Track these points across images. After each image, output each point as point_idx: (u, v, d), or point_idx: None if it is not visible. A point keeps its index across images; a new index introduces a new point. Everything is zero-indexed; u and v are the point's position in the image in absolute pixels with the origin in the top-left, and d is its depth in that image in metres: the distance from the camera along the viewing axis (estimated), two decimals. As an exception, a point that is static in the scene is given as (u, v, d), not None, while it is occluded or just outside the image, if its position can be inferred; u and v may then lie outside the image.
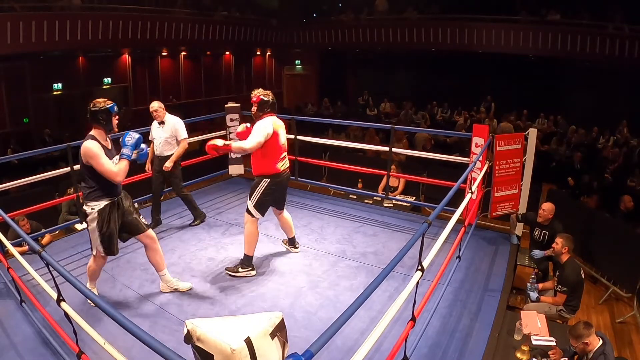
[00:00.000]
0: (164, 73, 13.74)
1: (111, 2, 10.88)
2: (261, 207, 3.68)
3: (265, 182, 3.63)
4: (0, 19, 8.62)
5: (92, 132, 3.08)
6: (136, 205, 3.52)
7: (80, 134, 11.29)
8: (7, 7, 8.87)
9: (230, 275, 3.78)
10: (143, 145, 3.24)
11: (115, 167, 3.04)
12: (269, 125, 3.50)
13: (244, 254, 3.78)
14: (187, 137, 4.69)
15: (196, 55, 14.51)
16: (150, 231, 3.37)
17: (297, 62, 17.50)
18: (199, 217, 4.94)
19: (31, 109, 10.69)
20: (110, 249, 3.18)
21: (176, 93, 14.03)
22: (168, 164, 4.58)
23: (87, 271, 3.35)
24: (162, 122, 4.62)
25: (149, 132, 4.72)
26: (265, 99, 3.58)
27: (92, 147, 3.00)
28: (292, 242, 4.20)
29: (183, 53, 14.05)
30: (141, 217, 3.35)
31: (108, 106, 3.06)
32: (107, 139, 3.14)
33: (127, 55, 12.45)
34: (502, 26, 11.88)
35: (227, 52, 15.45)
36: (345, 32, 14.49)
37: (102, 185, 3.06)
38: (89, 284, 3.40)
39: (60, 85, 11.16)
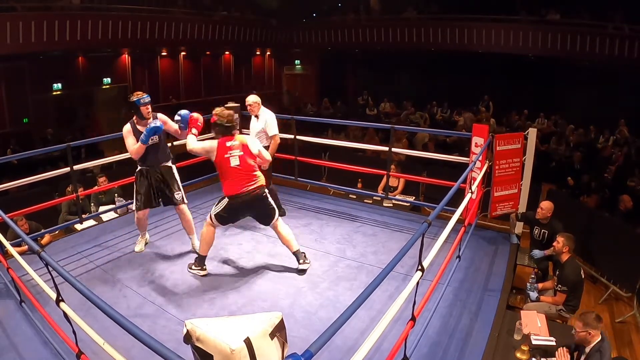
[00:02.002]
0: (164, 73, 13.74)
1: (111, 2, 10.89)
2: (221, 219, 3.68)
3: (225, 200, 3.61)
4: (0, 19, 8.62)
5: (133, 118, 3.88)
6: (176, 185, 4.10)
7: (82, 134, 11.27)
8: (7, 7, 8.87)
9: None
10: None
11: (132, 147, 3.81)
12: (212, 147, 3.50)
13: (198, 254, 3.81)
14: (277, 133, 4.76)
15: (196, 55, 14.51)
16: (183, 206, 4.10)
17: (297, 62, 17.49)
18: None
19: (31, 109, 10.69)
20: (142, 203, 3.97)
21: (176, 93, 14.04)
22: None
23: (136, 224, 4.20)
24: (256, 116, 4.82)
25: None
26: (218, 121, 3.53)
27: (124, 129, 3.87)
28: (296, 256, 3.84)
29: (183, 53, 14.05)
30: (176, 193, 4.04)
31: (134, 99, 3.77)
32: (144, 122, 3.82)
33: (126, 55, 12.45)
34: (502, 26, 11.88)
35: (227, 52, 15.44)
36: (345, 32, 14.49)
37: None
38: (140, 236, 4.32)
39: (60, 85, 11.17)
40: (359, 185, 6.50)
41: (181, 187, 4.13)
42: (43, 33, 9.29)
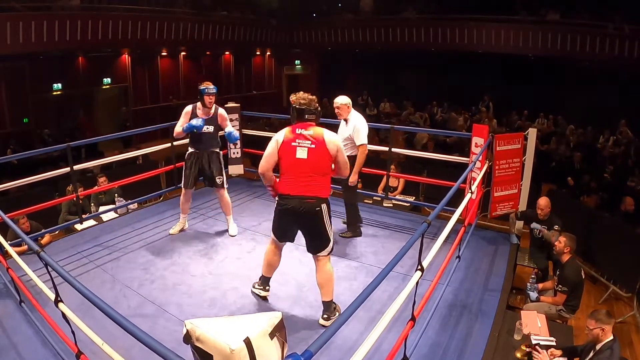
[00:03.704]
0: (164, 73, 13.74)
1: (111, 2, 10.89)
2: (275, 230, 3.19)
3: (276, 202, 3.11)
4: (0, 19, 8.62)
5: (197, 102, 4.29)
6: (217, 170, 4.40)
7: (81, 133, 11.22)
8: (7, 7, 8.87)
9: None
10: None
11: (177, 127, 4.27)
12: (277, 138, 3.01)
13: (262, 274, 3.44)
14: (365, 142, 4.16)
15: (196, 55, 14.51)
16: (222, 190, 4.43)
17: (297, 62, 17.50)
18: (351, 229, 4.59)
19: (31, 109, 10.69)
20: (185, 183, 4.42)
21: (176, 93, 14.03)
22: (352, 178, 4.20)
23: (180, 205, 4.60)
24: (346, 120, 4.28)
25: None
26: (293, 104, 3.01)
27: (185, 108, 4.31)
28: (324, 306, 3.17)
29: (183, 53, 14.04)
30: (217, 177, 4.37)
31: (201, 87, 4.24)
32: (205, 110, 4.27)
33: (126, 55, 12.45)
34: (502, 26, 11.90)
35: (227, 52, 15.45)
36: (345, 32, 14.50)
37: (189, 139, 4.39)
38: (181, 216, 4.66)
39: (60, 85, 11.16)
40: (359, 185, 6.48)
41: (223, 173, 4.43)
42: (43, 33, 9.28)
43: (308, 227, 3.05)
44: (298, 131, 2.96)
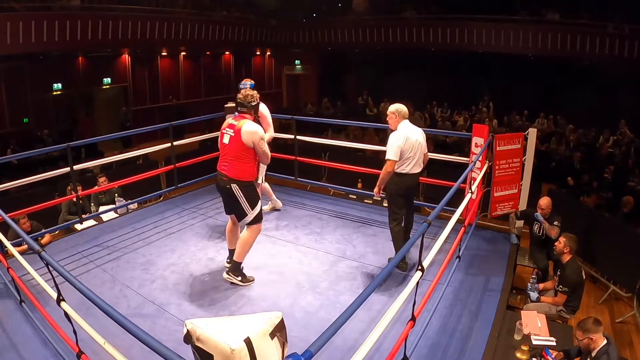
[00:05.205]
0: (164, 73, 13.74)
1: (111, 2, 10.89)
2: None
3: None
4: (0, 19, 8.62)
5: None
6: None
7: (79, 133, 11.19)
8: (7, 7, 8.87)
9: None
10: None
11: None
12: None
13: None
14: (391, 158, 3.60)
15: (196, 55, 14.51)
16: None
17: (297, 62, 17.49)
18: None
19: (31, 109, 10.69)
20: None
21: (176, 93, 14.03)
22: (375, 190, 3.83)
23: None
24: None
25: None
26: (237, 99, 3.53)
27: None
28: (231, 264, 3.70)
29: (183, 53, 14.05)
30: None
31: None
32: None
33: (126, 55, 12.45)
34: (501, 26, 11.90)
35: (227, 52, 15.45)
36: (345, 32, 14.50)
37: None
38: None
39: (60, 85, 11.17)
40: (359, 185, 6.50)
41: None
42: (43, 33, 9.29)
43: (226, 199, 3.60)
44: (231, 122, 3.48)
